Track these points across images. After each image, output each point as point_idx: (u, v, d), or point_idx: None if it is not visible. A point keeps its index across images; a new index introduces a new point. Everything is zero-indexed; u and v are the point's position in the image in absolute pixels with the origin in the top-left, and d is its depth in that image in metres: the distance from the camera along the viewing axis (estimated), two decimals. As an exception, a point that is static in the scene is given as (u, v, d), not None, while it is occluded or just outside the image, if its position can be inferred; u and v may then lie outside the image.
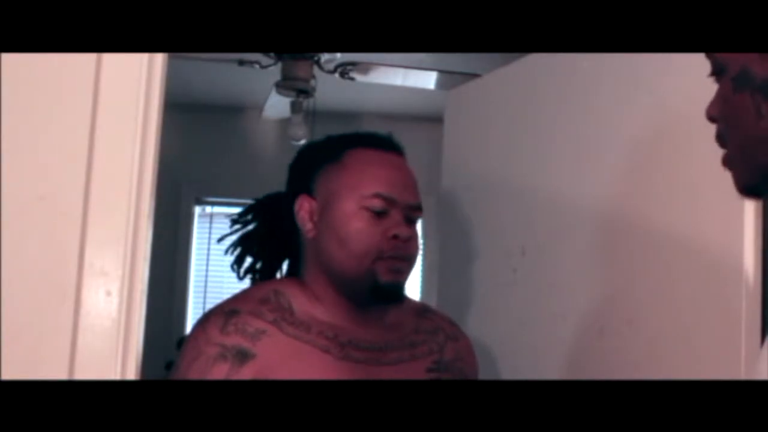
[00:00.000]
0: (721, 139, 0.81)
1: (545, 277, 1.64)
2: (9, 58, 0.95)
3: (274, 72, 2.93)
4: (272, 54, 2.85)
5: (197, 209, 4.26)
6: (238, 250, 1.46)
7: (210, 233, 4.20)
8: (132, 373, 0.94)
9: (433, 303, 1.97)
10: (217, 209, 4.29)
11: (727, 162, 0.81)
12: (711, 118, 0.82)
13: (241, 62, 2.92)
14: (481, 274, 1.82)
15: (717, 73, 0.80)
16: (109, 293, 0.93)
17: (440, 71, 2.88)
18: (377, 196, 1.29)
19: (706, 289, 1.32)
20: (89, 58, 0.96)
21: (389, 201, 1.30)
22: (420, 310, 1.44)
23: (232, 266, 1.47)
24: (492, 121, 1.88)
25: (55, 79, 0.96)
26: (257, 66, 2.93)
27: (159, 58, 0.99)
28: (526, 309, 1.68)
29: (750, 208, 1.25)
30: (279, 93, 2.97)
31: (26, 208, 0.94)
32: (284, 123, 3.40)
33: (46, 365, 0.92)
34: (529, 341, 1.65)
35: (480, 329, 1.70)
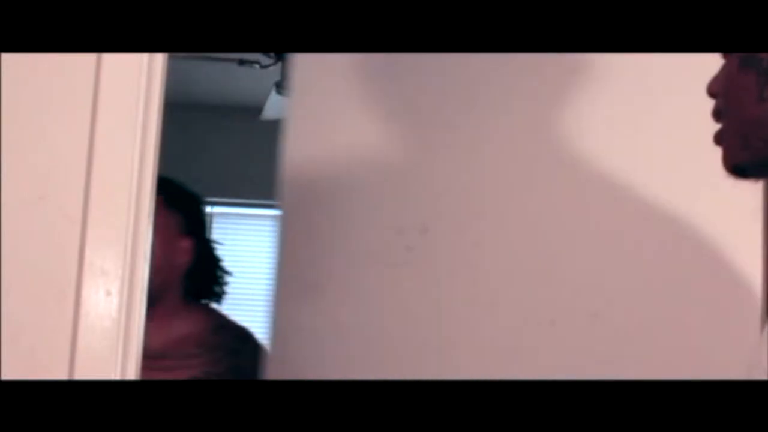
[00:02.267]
0: (717, 114, 0.80)
1: (459, 258, 1.51)
2: (9, 58, 0.95)
3: (274, 72, 2.93)
4: (272, 54, 2.85)
5: (197, 209, 4.26)
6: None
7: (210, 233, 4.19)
8: (132, 373, 0.94)
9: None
10: (217, 209, 4.29)
11: (719, 138, 0.80)
12: (712, 94, 0.81)
13: (241, 62, 2.93)
14: (356, 252, 1.65)
15: None
16: (109, 293, 0.93)
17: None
18: None
19: (690, 281, 1.29)
20: (89, 58, 0.96)
21: None
22: None
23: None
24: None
25: (55, 79, 0.96)
26: (257, 66, 2.93)
27: (159, 58, 0.99)
28: (428, 293, 1.54)
29: (741, 196, 1.22)
30: (279, 93, 2.97)
31: (26, 208, 0.94)
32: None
33: (46, 365, 0.92)
34: (436, 331, 1.50)
35: (359, 314, 1.54)
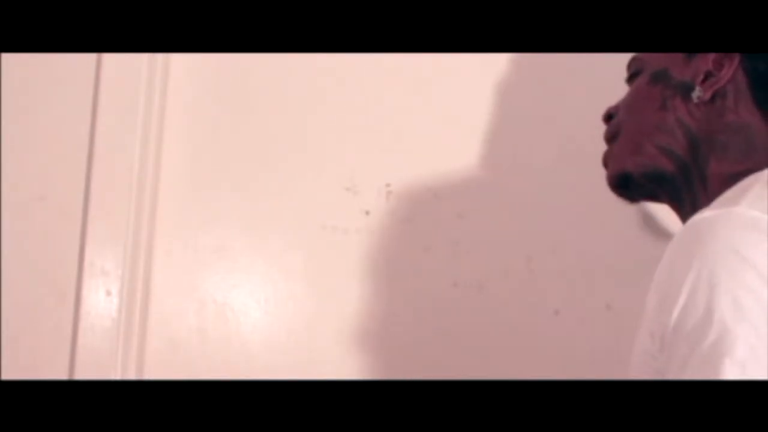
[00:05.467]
0: (612, 134, 0.84)
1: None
2: (9, 58, 0.95)
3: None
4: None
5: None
6: None
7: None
8: (132, 373, 0.94)
9: None
10: (217, 209, 4.28)
11: (608, 157, 0.84)
12: (608, 116, 0.85)
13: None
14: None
15: (635, 74, 0.83)
16: (109, 293, 0.93)
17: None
18: None
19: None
20: (89, 58, 0.96)
21: None
22: None
23: None
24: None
25: (55, 79, 0.97)
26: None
27: (159, 58, 0.99)
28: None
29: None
30: (279, 93, 2.97)
31: (26, 208, 0.94)
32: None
33: (46, 365, 0.92)
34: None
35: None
